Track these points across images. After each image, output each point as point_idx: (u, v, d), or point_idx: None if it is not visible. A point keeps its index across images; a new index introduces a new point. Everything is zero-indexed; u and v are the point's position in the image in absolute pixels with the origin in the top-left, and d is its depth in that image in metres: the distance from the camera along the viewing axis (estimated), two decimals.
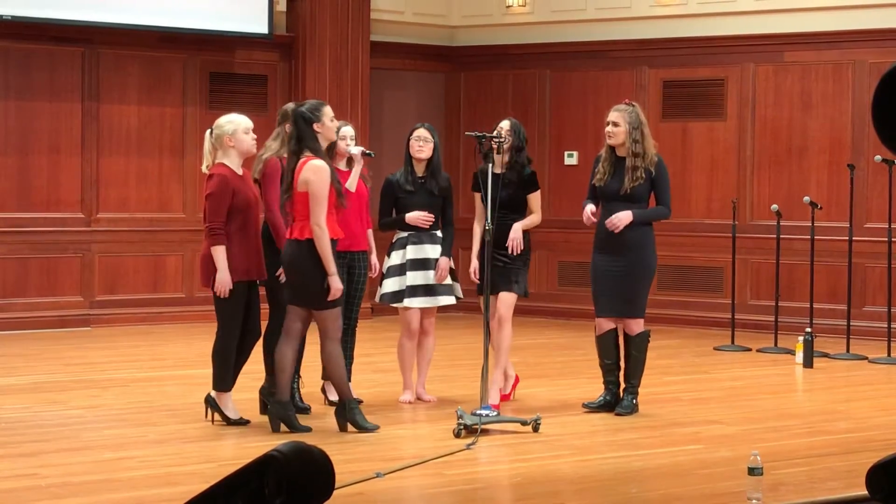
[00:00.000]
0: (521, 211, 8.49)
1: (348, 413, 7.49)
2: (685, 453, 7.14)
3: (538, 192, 8.56)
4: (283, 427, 7.44)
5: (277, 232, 7.89)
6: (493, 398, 8.29)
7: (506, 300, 8.46)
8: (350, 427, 7.49)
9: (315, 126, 7.45)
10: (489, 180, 7.88)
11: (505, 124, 8.53)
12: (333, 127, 7.66)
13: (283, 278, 7.83)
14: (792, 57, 12.84)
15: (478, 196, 8.39)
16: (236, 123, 7.63)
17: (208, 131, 7.69)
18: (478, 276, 8.40)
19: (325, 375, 8.40)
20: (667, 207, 8.26)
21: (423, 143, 8.48)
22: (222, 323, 7.59)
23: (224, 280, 7.45)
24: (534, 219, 8.52)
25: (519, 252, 8.38)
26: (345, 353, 8.43)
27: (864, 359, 11.00)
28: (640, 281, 8.22)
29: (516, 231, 8.37)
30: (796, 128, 12.85)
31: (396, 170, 8.72)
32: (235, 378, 7.71)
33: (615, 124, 8.17)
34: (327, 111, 7.58)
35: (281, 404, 7.49)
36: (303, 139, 7.43)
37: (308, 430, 7.46)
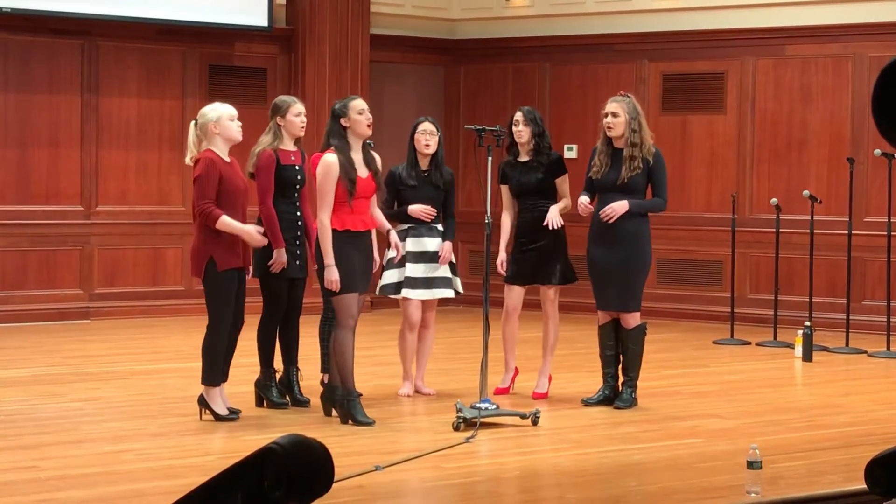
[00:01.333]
0: (551, 196, 8.52)
1: (347, 406, 7.49)
2: (684, 447, 7.14)
3: (566, 175, 8.59)
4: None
5: (269, 224, 7.90)
6: (542, 387, 8.62)
7: (549, 294, 8.54)
8: (344, 419, 7.49)
9: (342, 121, 7.52)
10: (489, 172, 7.89)
11: (519, 116, 8.56)
12: (363, 120, 7.62)
13: (274, 268, 7.87)
14: (792, 50, 12.83)
15: (504, 188, 8.39)
16: (220, 111, 7.62)
17: (192, 122, 7.68)
18: (505, 269, 8.47)
19: (325, 368, 8.40)
20: (663, 200, 8.26)
21: (429, 138, 8.49)
22: (214, 315, 7.54)
23: (252, 232, 7.47)
24: (567, 202, 8.53)
25: (559, 226, 8.38)
26: None
27: (864, 352, 11.00)
28: (636, 275, 8.21)
29: (553, 210, 8.39)
30: (796, 121, 12.84)
31: (396, 162, 8.72)
32: (227, 371, 7.69)
33: (615, 115, 8.17)
34: (354, 105, 7.59)
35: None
36: (329, 134, 7.57)
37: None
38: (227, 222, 7.40)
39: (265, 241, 7.66)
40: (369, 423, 7.45)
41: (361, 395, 7.78)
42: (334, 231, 7.45)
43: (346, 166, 7.47)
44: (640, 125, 8.17)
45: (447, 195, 8.59)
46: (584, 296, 10.34)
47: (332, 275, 7.40)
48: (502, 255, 8.56)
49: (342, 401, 7.53)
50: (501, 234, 8.57)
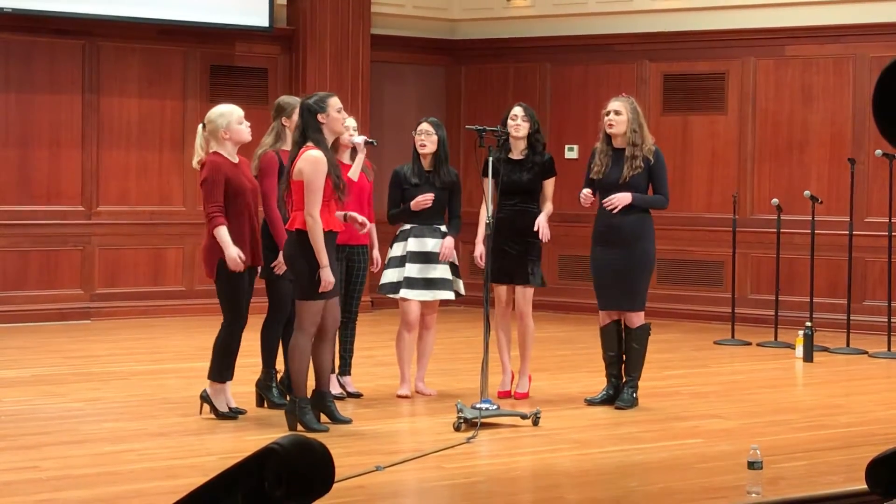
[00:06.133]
0: (537, 197, 8.48)
1: (298, 413, 7.30)
2: (685, 447, 7.14)
3: (555, 178, 8.55)
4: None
5: (274, 226, 7.88)
6: (523, 387, 8.54)
7: (525, 294, 8.47)
8: (292, 426, 7.35)
9: (319, 117, 7.33)
10: (490, 169, 7.88)
11: (518, 111, 8.51)
12: (341, 118, 7.56)
13: (277, 270, 7.82)
14: (793, 51, 12.84)
15: (486, 181, 8.26)
16: (228, 115, 7.58)
17: (200, 125, 7.66)
18: (483, 261, 8.37)
19: (344, 371, 8.43)
20: (665, 197, 8.28)
21: (424, 138, 8.48)
22: (229, 313, 7.56)
23: (233, 255, 7.41)
24: (550, 207, 8.51)
25: (547, 238, 8.40)
26: (345, 347, 8.46)
27: (865, 353, 11.00)
28: (640, 274, 8.22)
29: (544, 224, 8.37)
30: (797, 122, 12.84)
31: (397, 163, 8.74)
32: (232, 369, 7.69)
33: (617, 113, 8.17)
34: (333, 102, 7.46)
35: (320, 394, 7.46)
36: (306, 130, 7.30)
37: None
38: (221, 235, 7.40)
39: (241, 267, 7.54)
40: (324, 430, 7.25)
41: (362, 395, 7.73)
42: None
43: (332, 163, 7.37)
44: (640, 125, 8.19)
45: (451, 195, 8.56)
46: (584, 296, 10.37)
47: (329, 276, 7.27)
48: (480, 248, 8.45)
49: (292, 408, 7.35)
50: (479, 227, 8.45)
